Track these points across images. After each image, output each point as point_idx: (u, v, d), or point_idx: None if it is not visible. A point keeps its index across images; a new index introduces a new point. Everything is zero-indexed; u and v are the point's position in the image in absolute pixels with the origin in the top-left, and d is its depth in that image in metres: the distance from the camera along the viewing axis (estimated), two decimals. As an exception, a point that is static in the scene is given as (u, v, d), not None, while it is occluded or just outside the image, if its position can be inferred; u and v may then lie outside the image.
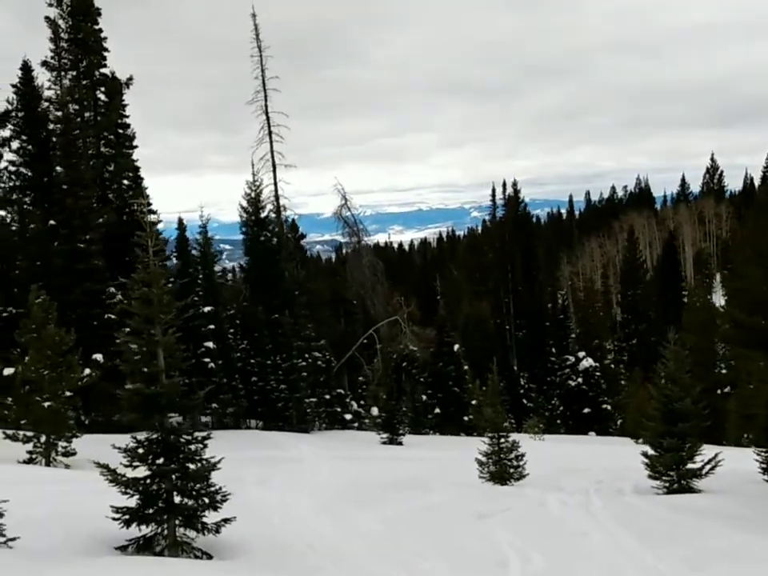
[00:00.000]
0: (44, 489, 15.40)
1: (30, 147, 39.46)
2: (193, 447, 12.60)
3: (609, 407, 64.24)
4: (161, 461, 12.37)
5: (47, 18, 39.61)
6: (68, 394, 22.94)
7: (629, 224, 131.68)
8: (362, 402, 51.28)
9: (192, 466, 12.43)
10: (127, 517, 12.31)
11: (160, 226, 42.48)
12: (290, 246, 49.73)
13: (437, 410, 51.55)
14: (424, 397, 51.92)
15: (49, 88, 40.02)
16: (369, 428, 50.01)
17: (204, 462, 12.51)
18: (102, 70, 40.58)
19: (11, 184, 40.13)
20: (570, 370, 66.13)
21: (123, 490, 12.25)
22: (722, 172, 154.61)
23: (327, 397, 45.91)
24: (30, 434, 22.68)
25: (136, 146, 41.42)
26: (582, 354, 67.28)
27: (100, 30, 40.20)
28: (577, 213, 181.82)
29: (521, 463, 21.90)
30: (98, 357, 31.71)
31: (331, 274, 65.08)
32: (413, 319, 58.92)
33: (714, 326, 52.38)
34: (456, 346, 53.52)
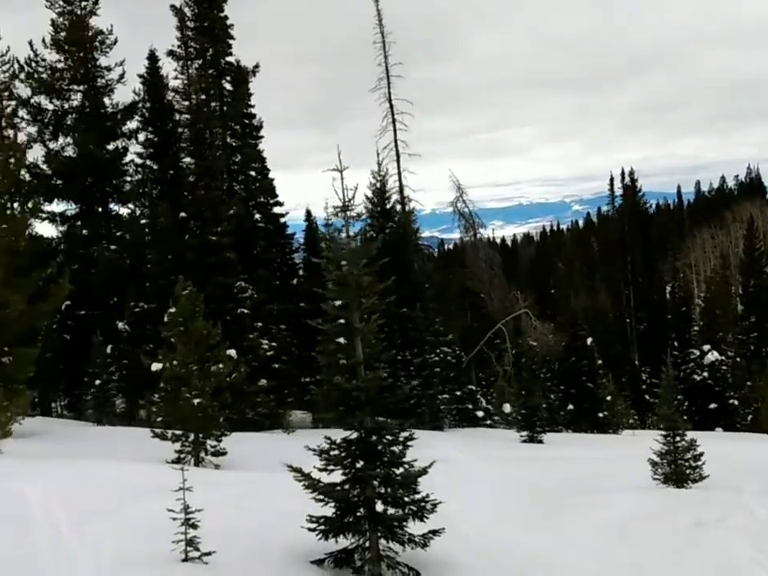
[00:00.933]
0: (213, 494, 14.04)
1: (156, 139, 38.82)
2: (395, 449, 11.14)
3: (736, 402, 60.96)
4: (360, 464, 10.93)
5: (173, 7, 38.93)
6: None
7: (741, 214, 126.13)
8: (490, 399, 49.33)
9: (397, 471, 10.93)
10: (324, 527, 10.90)
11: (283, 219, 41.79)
12: (416, 238, 48.04)
13: (570, 407, 49.12)
14: (552, 395, 49.79)
15: (175, 78, 39.34)
16: (500, 425, 48.23)
17: (407, 466, 11.01)
18: (228, 59, 39.69)
19: (138, 177, 39.61)
20: (694, 364, 62.93)
21: (317, 496, 10.88)
22: None
23: (458, 393, 44.10)
24: (178, 432, 21.55)
25: (262, 137, 40.40)
26: (706, 347, 63.82)
27: (225, 18, 39.29)
28: (685, 203, 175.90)
29: (699, 463, 19.77)
30: (232, 353, 30.58)
31: (442, 268, 62.90)
32: (532, 313, 56.96)
33: None
34: (589, 340, 50.99)
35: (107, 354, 32.62)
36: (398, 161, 49.64)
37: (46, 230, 42.96)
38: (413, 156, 49.60)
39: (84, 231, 39.93)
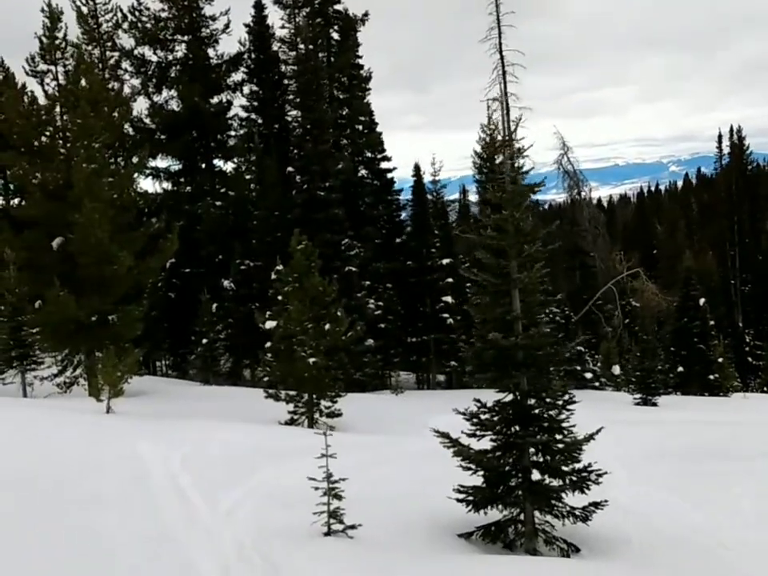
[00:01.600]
0: (343, 460, 12.99)
1: (261, 92, 37.81)
2: (554, 413, 9.81)
3: None
4: (516, 429, 9.84)
5: (280, -47, 37.57)
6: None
7: None
8: (597, 360, 47.41)
9: (557, 437, 9.66)
10: (474, 498, 9.80)
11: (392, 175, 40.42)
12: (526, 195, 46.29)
13: (679, 369, 46.81)
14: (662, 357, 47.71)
15: (281, 27, 38.14)
16: (608, 387, 46.45)
17: (566, 432, 9.66)
18: (336, 6, 38.23)
19: (243, 132, 38.68)
20: None
21: (466, 464, 9.83)
22: None
23: (567, 354, 42.37)
24: (292, 392, 20.55)
25: (369, 89, 39.04)
26: None
27: (334, -37, 37.85)
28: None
29: None
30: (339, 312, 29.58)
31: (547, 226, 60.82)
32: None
33: None
34: (702, 301, 48.67)
35: (213, 312, 31.82)
36: (507, 114, 47.79)
37: (149, 186, 42.38)
38: (523, 109, 47.83)
39: (188, 188, 39.26)
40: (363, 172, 39.47)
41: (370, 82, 39.41)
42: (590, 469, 9.74)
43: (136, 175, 30.75)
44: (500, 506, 9.79)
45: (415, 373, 39.82)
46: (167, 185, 39.98)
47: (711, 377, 46.47)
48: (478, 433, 9.93)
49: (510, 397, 9.96)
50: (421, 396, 31.98)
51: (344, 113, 38.23)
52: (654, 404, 34.96)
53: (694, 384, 45.67)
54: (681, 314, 47.69)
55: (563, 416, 9.96)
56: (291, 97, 37.64)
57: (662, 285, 59.56)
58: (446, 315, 35.88)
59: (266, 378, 28.76)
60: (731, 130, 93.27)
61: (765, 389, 54.09)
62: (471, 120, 44.83)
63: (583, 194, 55.91)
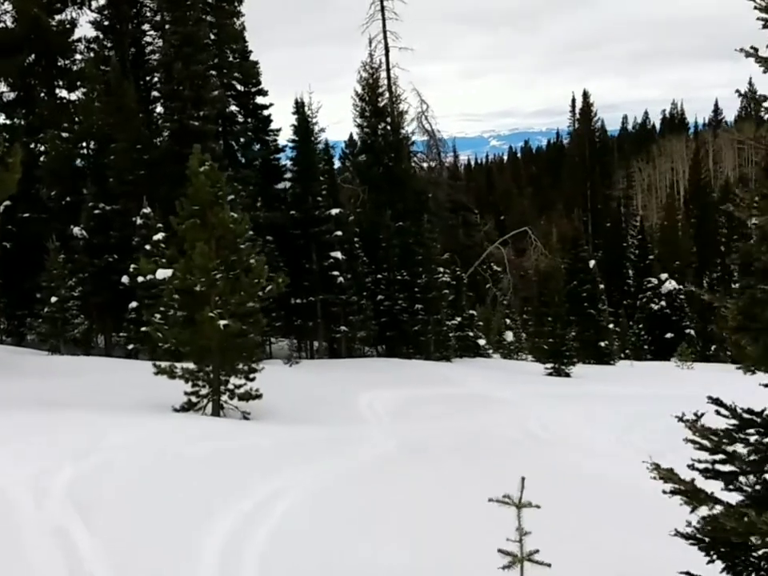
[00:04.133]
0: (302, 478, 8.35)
1: (113, 8, 31.92)
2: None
3: (692, 332, 57.94)
4: None
5: None
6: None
7: (667, 149, 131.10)
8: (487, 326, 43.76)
9: None
10: None
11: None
12: (408, 140, 41.64)
13: (572, 333, 43.64)
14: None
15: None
16: (498, 355, 42.98)
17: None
18: None
19: (90, 56, 32.68)
20: (651, 293, 59.19)
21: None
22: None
23: (458, 320, 38.30)
24: (192, 366, 15.39)
25: (243, 15, 33.55)
26: (664, 276, 60.33)
27: None
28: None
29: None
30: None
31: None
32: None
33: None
34: (592, 263, 45.64)
35: (61, 264, 25.81)
36: (386, 54, 43.16)
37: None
38: (404, 50, 43.28)
39: (23, 121, 32.87)
40: (234, 107, 33.90)
41: (243, 4, 33.88)
42: None
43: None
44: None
45: (299, 339, 34.78)
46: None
47: (602, 343, 43.73)
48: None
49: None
50: (323, 367, 26.99)
51: (212, 38, 32.18)
52: (568, 375, 31.64)
53: (586, 352, 42.46)
54: (570, 277, 44.65)
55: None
56: (151, 15, 31.82)
57: (515, 250, 57.32)
58: (335, 273, 30.99)
59: (130, 346, 23.50)
60: (584, 93, 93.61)
61: (648, 357, 52.47)
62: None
63: (442, 154, 51.90)
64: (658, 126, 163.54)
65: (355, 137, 40.18)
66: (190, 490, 8.05)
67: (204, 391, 15.47)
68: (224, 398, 15.54)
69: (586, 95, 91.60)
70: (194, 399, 15.47)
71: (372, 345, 35.21)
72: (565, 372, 31.94)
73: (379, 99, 39.16)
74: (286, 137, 33.44)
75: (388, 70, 42.70)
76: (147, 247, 24.28)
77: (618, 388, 27.19)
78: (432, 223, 38.21)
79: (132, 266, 24.82)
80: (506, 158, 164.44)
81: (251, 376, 15.53)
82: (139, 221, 25.60)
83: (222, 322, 14.66)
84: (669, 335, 56.76)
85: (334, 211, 31.80)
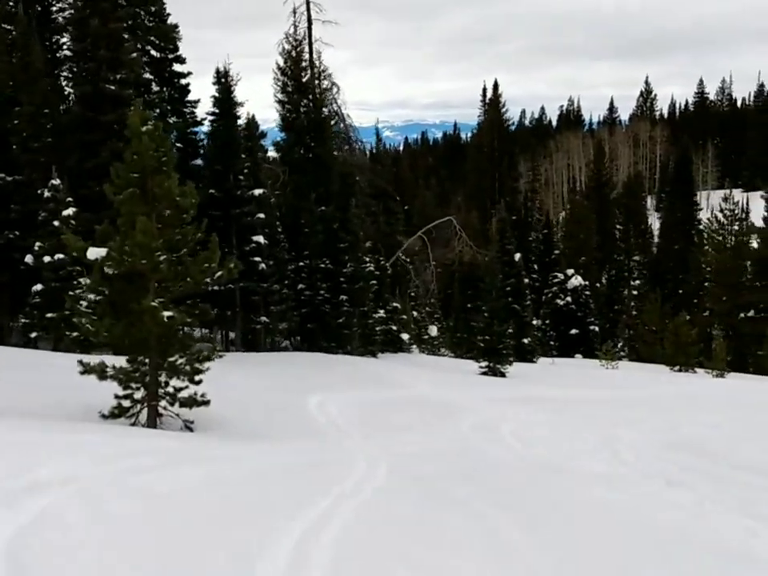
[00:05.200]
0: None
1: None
2: None
3: (596, 329, 57.96)
4: None
5: None
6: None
7: (564, 144, 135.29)
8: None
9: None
10: None
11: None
12: (332, 119, 39.09)
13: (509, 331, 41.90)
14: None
15: None
16: (424, 351, 40.94)
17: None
18: None
19: None
20: (557, 288, 58.53)
21: None
22: (655, 96, 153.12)
23: (381, 312, 36.03)
24: (126, 365, 12.81)
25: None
26: (570, 271, 59.83)
27: None
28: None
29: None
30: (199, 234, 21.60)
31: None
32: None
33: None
34: (518, 256, 44.04)
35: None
36: (309, 27, 40.48)
37: None
38: (327, 24, 40.67)
39: None
40: (149, 75, 30.94)
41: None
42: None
43: None
44: None
45: (216, 329, 32.03)
46: None
47: (525, 340, 42.22)
48: None
49: None
50: (250, 363, 24.23)
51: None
52: (503, 374, 29.86)
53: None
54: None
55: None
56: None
57: (431, 242, 55.73)
58: (257, 259, 28.39)
59: (33, 334, 20.92)
60: (495, 85, 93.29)
61: (553, 353, 51.39)
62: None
63: (352, 137, 49.56)
64: (554, 122, 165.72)
65: (276, 115, 37.44)
66: (167, 557, 5.61)
67: (139, 395, 12.87)
68: (163, 403, 12.99)
69: (496, 85, 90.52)
70: (125, 404, 12.87)
71: (288, 337, 32.74)
72: (500, 371, 30.12)
73: (303, 74, 36.60)
74: (205, 110, 30.67)
75: (310, 43, 40.00)
76: (56, 223, 21.42)
77: (562, 391, 25.50)
78: (359, 208, 35.98)
79: (37, 243, 22.06)
80: (401, 149, 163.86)
81: (196, 378, 12.99)
82: (46, 193, 22.61)
83: (166, 314, 12.11)
84: (574, 331, 56.49)
85: (257, 192, 29.27)
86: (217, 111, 29.64)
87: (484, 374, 29.96)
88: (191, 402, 12.96)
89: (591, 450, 13.67)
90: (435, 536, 6.88)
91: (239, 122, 30.10)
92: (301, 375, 21.43)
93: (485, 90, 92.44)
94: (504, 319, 31.08)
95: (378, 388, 21.28)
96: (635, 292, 69.65)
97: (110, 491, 7.01)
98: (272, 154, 38.08)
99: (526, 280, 46.36)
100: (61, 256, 20.80)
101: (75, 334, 17.31)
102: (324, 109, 38.30)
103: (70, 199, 22.08)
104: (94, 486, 7.10)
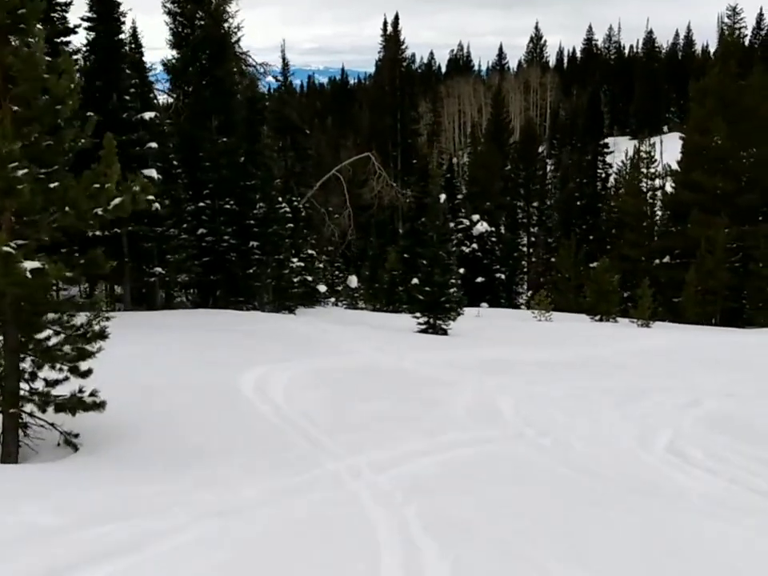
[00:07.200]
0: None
1: None
2: None
3: (503, 276, 56.88)
4: None
5: None
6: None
7: (455, 89, 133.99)
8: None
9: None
10: None
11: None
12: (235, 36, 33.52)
13: (414, 281, 37.11)
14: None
15: None
16: (342, 303, 36.44)
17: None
18: None
19: None
20: (462, 235, 55.48)
21: None
22: (545, 42, 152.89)
23: (295, 261, 31.10)
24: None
25: None
26: (476, 217, 56.96)
27: None
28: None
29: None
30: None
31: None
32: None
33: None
34: (443, 197, 39.65)
35: None
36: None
37: None
38: None
39: None
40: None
41: None
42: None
43: None
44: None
45: (99, 284, 26.77)
46: None
47: (451, 290, 38.10)
48: None
49: None
50: (149, 325, 18.87)
51: None
52: (445, 332, 25.66)
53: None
54: (418, 213, 38.69)
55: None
56: None
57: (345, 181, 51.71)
58: (151, 198, 23.13)
59: None
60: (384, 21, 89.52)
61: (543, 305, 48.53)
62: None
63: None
64: (444, 68, 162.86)
65: (166, 28, 31.73)
66: None
67: (-12, 396, 7.99)
68: (28, 407, 8.15)
69: (396, 20, 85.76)
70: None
71: (184, 291, 27.87)
72: (442, 328, 25.87)
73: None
74: (79, 14, 25.09)
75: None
76: None
77: (522, 350, 21.42)
78: (271, 139, 31.06)
79: None
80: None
81: (82, 367, 8.16)
82: None
83: (30, 264, 7.25)
84: (479, 279, 54.18)
85: (147, 115, 24.10)
86: (94, 16, 24.23)
87: (423, 331, 25.69)
88: (75, 405, 8.13)
89: (639, 443, 10.61)
90: None
91: (123, 30, 24.75)
92: (217, 342, 16.59)
93: (385, 23, 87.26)
94: (446, 268, 26.58)
95: (316, 355, 16.67)
96: (533, 239, 67.87)
97: None
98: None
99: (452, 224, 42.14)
100: None
101: None
102: (225, 24, 32.83)
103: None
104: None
